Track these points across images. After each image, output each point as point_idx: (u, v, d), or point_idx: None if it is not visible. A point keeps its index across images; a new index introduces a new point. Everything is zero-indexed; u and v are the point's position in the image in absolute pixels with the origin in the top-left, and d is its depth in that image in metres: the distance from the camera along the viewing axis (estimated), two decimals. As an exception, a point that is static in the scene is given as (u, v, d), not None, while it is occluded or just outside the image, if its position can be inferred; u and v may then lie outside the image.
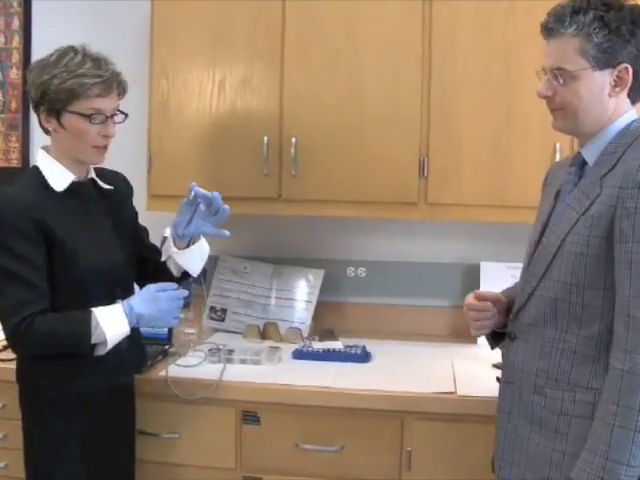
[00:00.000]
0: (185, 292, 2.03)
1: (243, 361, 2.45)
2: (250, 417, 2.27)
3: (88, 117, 1.92)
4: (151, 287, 1.98)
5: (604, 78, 1.65)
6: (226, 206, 2.10)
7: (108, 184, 2.10)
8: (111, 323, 1.90)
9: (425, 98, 2.58)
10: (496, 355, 2.50)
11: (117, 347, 1.94)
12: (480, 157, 2.57)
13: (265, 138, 2.62)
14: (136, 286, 2.18)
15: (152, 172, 2.71)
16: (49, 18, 3.11)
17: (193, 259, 2.18)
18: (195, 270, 2.20)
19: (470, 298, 1.91)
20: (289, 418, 2.28)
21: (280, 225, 3.02)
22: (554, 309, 1.67)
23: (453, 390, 2.24)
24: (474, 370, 2.46)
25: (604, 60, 1.63)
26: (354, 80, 2.60)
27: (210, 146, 2.68)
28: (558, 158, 2.50)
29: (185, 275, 2.19)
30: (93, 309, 1.90)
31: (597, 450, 1.52)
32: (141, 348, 2.23)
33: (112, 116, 1.97)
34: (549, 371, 1.68)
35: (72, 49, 1.94)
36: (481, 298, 1.89)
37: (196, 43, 2.66)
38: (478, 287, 2.78)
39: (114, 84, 1.95)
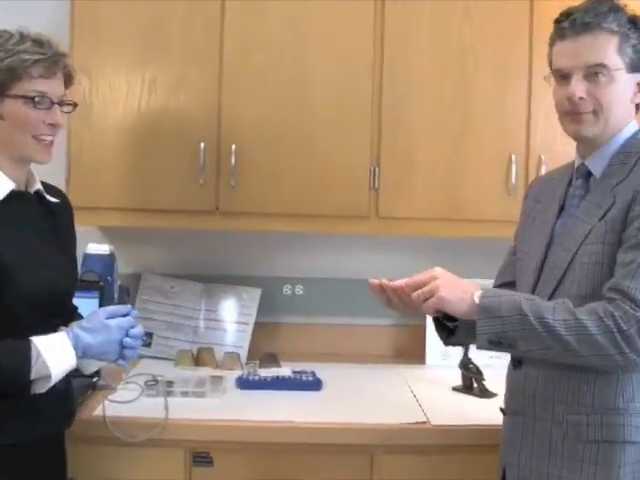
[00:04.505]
0: (137, 323, 1.75)
1: (185, 394, 2.19)
2: (201, 458, 2.01)
3: (31, 100, 1.62)
4: (99, 312, 1.70)
5: (631, 82, 1.58)
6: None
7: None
8: (55, 355, 1.59)
9: (376, 104, 2.43)
10: (454, 378, 2.38)
11: (52, 388, 1.64)
12: (433, 167, 2.44)
13: (202, 145, 2.37)
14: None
15: (71, 182, 2.39)
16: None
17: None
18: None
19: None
20: (244, 457, 2.03)
21: (209, 239, 2.76)
22: None
23: (425, 420, 2.06)
24: (436, 395, 2.30)
25: (637, 63, 1.56)
26: (300, 84, 2.40)
27: (139, 153, 2.40)
28: (514, 169, 2.41)
29: None
30: (32, 338, 1.59)
31: None
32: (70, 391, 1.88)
33: (59, 104, 1.68)
34: (568, 396, 1.54)
35: (5, 31, 1.65)
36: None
37: (124, 37, 2.37)
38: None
39: (59, 64, 1.67)
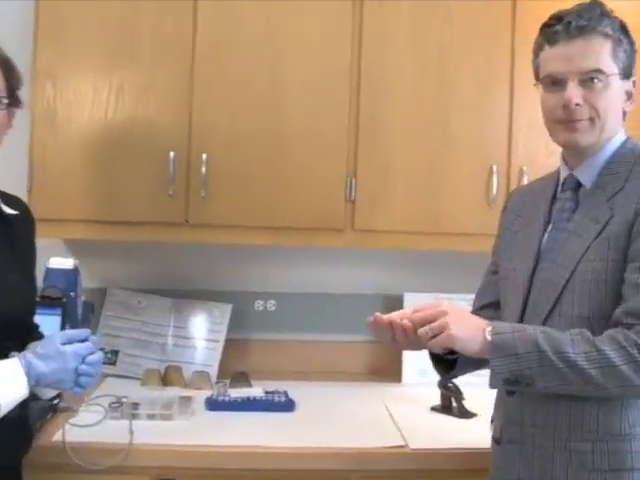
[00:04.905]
0: (95, 349, 1.62)
1: (151, 417, 2.07)
2: (167, 486, 1.91)
3: None
4: (55, 337, 1.57)
5: (622, 89, 1.52)
6: None
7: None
8: (5, 384, 1.47)
9: (353, 111, 2.34)
10: (432, 397, 2.28)
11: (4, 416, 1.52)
12: (411, 178, 2.35)
13: (171, 154, 2.26)
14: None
15: (33, 192, 2.27)
16: None
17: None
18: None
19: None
20: (213, 484, 1.93)
21: (178, 253, 2.65)
22: None
23: (403, 443, 1.97)
24: (414, 416, 2.21)
25: (627, 69, 1.50)
26: (275, 89, 2.31)
27: (105, 162, 2.29)
28: (495, 180, 2.34)
29: None
30: None
31: None
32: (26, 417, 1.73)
33: None
34: (571, 422, 1.46)
35: None
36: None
37: (90, 40, 2.26)
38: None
39: None
